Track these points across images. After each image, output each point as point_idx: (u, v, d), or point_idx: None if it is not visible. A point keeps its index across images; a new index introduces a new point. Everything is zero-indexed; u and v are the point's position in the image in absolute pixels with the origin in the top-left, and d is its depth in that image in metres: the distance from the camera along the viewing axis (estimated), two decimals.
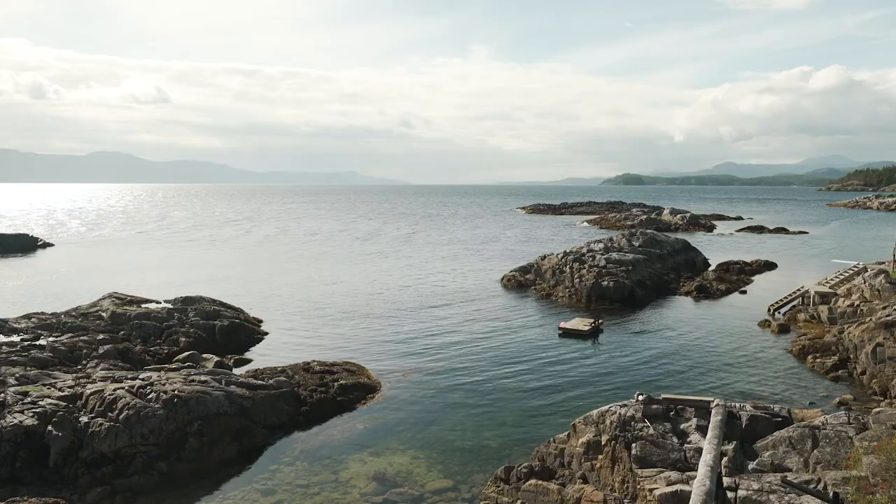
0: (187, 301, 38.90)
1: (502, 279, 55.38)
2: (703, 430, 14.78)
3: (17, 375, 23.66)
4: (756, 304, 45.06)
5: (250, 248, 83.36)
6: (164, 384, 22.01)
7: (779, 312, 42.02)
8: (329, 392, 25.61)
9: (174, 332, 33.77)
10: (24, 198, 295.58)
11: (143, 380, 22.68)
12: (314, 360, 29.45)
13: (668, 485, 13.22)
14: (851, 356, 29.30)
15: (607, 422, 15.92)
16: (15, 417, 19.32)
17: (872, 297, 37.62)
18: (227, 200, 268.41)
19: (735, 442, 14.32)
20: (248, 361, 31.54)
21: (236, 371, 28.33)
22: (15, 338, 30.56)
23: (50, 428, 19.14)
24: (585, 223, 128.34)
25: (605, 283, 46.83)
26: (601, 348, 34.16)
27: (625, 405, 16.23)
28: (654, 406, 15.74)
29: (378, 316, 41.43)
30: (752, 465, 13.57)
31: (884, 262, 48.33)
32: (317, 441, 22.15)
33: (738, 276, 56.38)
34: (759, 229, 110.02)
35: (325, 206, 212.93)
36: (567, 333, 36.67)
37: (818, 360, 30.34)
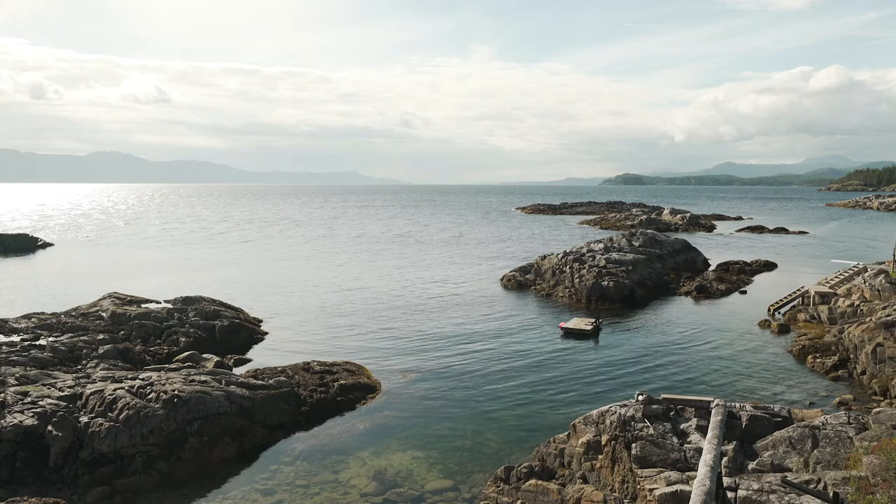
0: (187, 301, 38.89)
1: (502, 279, 55.36)
2: (703, 430, 14.78)
3: (17, 375, 23.65)
4: (756, 304, 45.05)
5: (251, 249, 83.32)
6: (164, 384, 22.01)
7: (779, 312, 42.01)
8: (329, 392, 25.61)
9: (174, 332, 33.77)
10: (24, 198, 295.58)
11: (143, 380, 22.68)
12: (314, 360, 29.44)
13: (668, 485, 13.22)
14: (851, 356, 29.30)
15: (607, 422, 15.93)
16: (15, 417, 19.33)
17: (872, 297, 37.64)
18: (229, 201, 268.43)
19: (735, 442, 14.33)
20: (248, 361, 31.53)
21: (236, 371, 28.31)
22: (15, 338, 30.54)
23: (50, 428, 19.14)
24: (584, 224, 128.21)
25: (605, 283, 46.82)
26: (601, 348, 34.15)
27: (625, 405, 16.24)
28: (654, 406, 15.74)
29: (378, 316, 41.42)
30: (752, 465, 13.57)
31: (884, 262, 48.37)
32: (317, 441, 22.16)
33: (738, 276, 56.37)
34: (759, 229, 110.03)
35: (329, 207, 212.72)
36: (567, 333, 36.67)
37: (818, 360, 30.34)
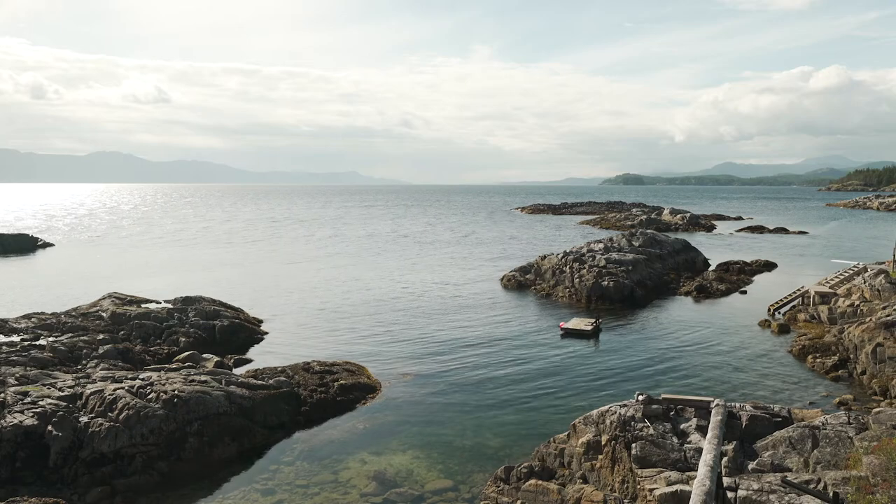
0: (187, 301, 38.90)
1: (502, 279, 55.36)
2: (703, 430, 14.78)
3: (17, 375, 23.65)
4: (756, 304, 45.04)
5: (252, 249, 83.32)
6: (164, 384, 22.01)
7: (779, 312, 42.00)
8: (329, 392, 25.61)
9: (174, 332, 33.77)
10: (25, 198, 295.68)
11: (143, 380, 22.68)
12: (314, 360, 29.44)
13: (668, 485, 13.22)
14: (851, 356, 29.30)
15: (607, 422, 15.93)
16: (15, 417, 19.32)
17: (872, 297, 37.63)
18: (231, 200, 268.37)
19: (735, 442, 14.33)
20: (248, 361, 31.53)
21: (236, 371, 28.31)
22: (15, 338, 30.55)
23: (50, 428, 19.14)
24: (585, 224, 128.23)
25: (605, 283, 46.82)
26: (601, 348, 34.15)
27: (625, 405, 16.23)
28: (654, 406, 15.74)
29: (378, 316, 41.41)
30: (752, 465, 13.57)
31: (884, 262, 48.36)
32: (317, 441, 22.16)
33: (738, 276, 56.35)
34: (759, 229, 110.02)
35: (332, 207, 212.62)
36: (567, 333, 36.66)
37: (818, 360, 30.33)
